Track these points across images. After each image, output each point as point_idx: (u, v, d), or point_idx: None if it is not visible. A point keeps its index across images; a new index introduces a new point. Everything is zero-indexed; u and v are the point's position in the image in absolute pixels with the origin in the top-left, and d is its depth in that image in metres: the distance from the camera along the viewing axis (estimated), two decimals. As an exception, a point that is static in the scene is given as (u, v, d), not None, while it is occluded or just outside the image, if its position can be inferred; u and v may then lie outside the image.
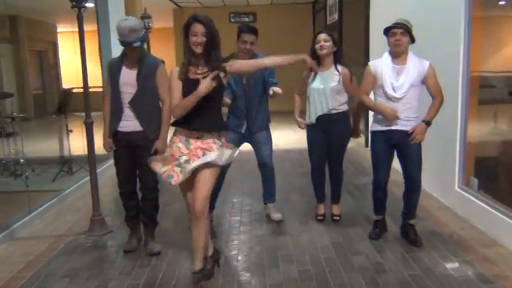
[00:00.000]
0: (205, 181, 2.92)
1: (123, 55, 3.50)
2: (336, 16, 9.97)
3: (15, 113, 6.36)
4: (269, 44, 12.57)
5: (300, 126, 4.15)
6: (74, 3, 4.01)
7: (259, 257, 3.53)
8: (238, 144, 3.98)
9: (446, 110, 4.43)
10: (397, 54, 3.53)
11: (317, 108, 3.93)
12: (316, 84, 3.92)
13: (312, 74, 3.91)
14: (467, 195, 4.17)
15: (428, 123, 3.54)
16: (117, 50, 6.64)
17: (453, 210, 4.35)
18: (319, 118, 3.94)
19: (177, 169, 2.92)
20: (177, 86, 2.94)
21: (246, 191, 5.29)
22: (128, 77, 3.43)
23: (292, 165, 6.48)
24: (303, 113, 4.16)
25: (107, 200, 4.83)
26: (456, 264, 3.28)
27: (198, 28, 2.85)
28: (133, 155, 3.51)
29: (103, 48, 6.75)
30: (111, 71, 3.51)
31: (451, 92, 4.34)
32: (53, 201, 4.79)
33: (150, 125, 3.45)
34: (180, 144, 2.94)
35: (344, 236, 3.86)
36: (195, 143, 2.93)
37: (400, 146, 3.60)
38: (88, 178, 4.61)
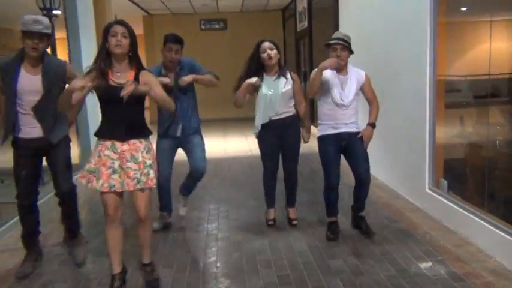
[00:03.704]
0: (146, 193, 3.02)
1: (20, 58, 3.25)
2: (305, 23, 10.13)
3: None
4: (239, 50, 12.69)
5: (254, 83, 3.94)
6: (44, 11, 3.98)
7: (238, 263, 3.55)
8: (174, 149, 4.10)
9: (415, 113, 4.59)
10: (340, 68, 3.77)
11: (272, 110, 3.97)
12: (265, 90, 3.96)
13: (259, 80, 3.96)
14: (437, 196, 4.30)
15: (374, 125, 3.87)
16: (86, 56, 6.63)
17: (424, 211, 4.48)
18: (272, 123, 4.00)
19: (115, 176, 2.93)
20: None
21: (222, 198, 5.31)
22: (29, 83, 3.23)
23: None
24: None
25: (81, 209, 4.75)
26: (429, 264, 3.38)
27: (118, 29, 2.86)
28: (38, 163, 3.37)
29: (72, 55, 6.66)
30: (4, 75, 3.23)
31: (418, 96, 4.49)
32: (24, 213, 4.67)
33: (54, 130, 3.35)
34: (107, 152, 2.93)
35: (320, 240, 3.92)
36: (121, 146, 2.94)
37: (349, 146, 3.80)
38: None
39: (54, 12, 4.01)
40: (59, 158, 3.43)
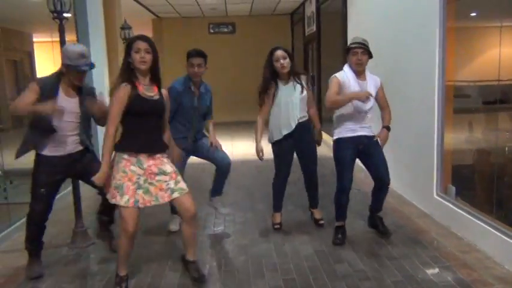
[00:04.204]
0: (189, 193, 3.10)
1: (58, 79, 3.35)
2: (314, 27, 10.14)
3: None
4: (248, 54, 12.75)
5: (260, 157, 4.12)
6: (55, 14, 4.00)
7: (244, 267, 3.55)
8: (186, 158, 4.15)
9: (423, 119, 4.57)
10: (359, 72, 3.77)
11: (294, 118, 4.01)
12: (286, 96, 4.00)
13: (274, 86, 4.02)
14: (445, 202, 4.27)
15: (389, 128, 3.91)
16: (96, 59, 6.63)
17: (432, 217, 4.46)
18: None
19: (140, 191, 2.96)
20: (122, 107, 2.92)
21: (228, 201, 5.30)
22: (67, 105, 3.33)
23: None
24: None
25: (89, 211, 4.77)
26: (436, 270, 3.36)
27: (141, 45, 2.92)
28: (60, 181, 3.50)
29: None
30: (43, 93, 3.26)
31: (427, 101, 4.47)
32: (33, 214, 4.71)
33: (90, 144, 3.56)
34: (133, 168, 2.95)
35: (327, 244, 3.91)
36: (147, 162, 2.98)
37: (367, 149, 3.81)
38: (68, 189, 4.57)
39: (65, 15, 4.02)
40: (95, 164, 3.39)
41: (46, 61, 9.05)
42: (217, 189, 4.43)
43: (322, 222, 4.34)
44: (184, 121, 4.06)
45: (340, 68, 3.90)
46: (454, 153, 4.58)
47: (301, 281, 3.26)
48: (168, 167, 3.04)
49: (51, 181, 3.42)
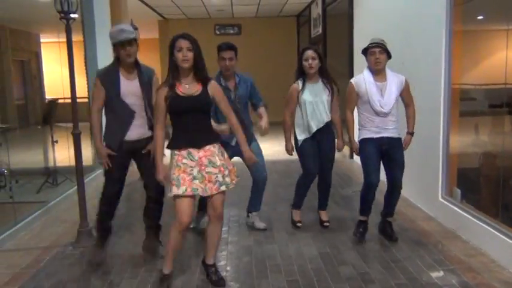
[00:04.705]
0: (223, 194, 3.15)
1: (116, 65, 3.47)
2: (320, 29, 10.13)
3: (-2, 124, 6.30)
4: (253, 55, 12.75)
5: (290, 153, 4.25)
6: (62, 14, 4.03)
7: (248, 268, 3.55)
8: (230, 158, 4.04)
9: (429, 121, 4.55)
10: (378, 72, 3.77)
11: (318, 119, 4.05)
12: (311, 96, 4.03)
13: (300, 84, 4.03)
14: (450, 205, 4.25)
15: (413, 134, 3.94)
16: (102, 60, 6.69)
17: (437, 220, 4.44)
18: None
19: (196, 181, 3.01)
20: (163, 109, 3.00)
21: (233, 202, 5.29)
22: (130, 87, 3.46)
23: (279, 176, 6.51)
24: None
25: (94, 211, 4.78)
26: (441, 273, 3.35)
27: (183, 43, 2.96)
28: (129, 164, 3.61)
29: (89, 59, 6.74)
30: (105, 82, 3.44)
31: (433, 104, 4.45)
32: (38, 213, 4.74)
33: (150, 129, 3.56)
34: (185, 161, 3.01)
35: (331, 246, 3.90)
36: (198, 154, 3.03)
37: (389, 151, 3.82)
38: (73, 189, 4.60)
39: (72, 15, 4.04)
40: (150, 157, 3.49)
41: (53, 61, 9.08)
42: (254, 205, 4.44)
43: (327, 224, 4.35)
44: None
45: (346, 70, 3.91)
46: (459, 156, 4.56)
47: (305, 283, 3.26)
48: (217, 160, 3.06)
49: (120, 165, 3.54)
